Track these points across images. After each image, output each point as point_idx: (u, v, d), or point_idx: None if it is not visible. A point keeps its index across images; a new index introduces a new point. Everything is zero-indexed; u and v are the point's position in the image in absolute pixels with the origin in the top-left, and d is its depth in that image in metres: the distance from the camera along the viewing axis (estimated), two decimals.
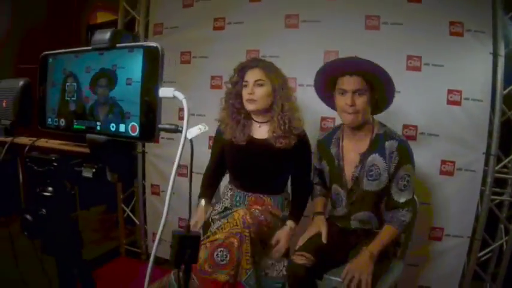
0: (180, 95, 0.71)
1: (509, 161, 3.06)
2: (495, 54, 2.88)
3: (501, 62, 2.87)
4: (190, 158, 0.77)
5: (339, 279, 2.27)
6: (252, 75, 2.55)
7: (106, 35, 0.69)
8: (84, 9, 5.29)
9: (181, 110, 3.15)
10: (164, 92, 0.68)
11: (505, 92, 2.92)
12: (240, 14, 3.41)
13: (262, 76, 2.54)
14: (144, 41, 2.51)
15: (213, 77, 3.53)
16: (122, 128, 0.68)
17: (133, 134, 0.68)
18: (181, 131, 0.72)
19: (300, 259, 2.28)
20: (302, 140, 2.61)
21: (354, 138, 2.43)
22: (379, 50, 2.88)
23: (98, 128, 0.71)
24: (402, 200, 2.34)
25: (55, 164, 0.81)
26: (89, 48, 0.72)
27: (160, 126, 0.69)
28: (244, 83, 2.57)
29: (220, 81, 3.46)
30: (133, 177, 0.84)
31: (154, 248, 0.96)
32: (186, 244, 0.93)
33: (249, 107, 2.56)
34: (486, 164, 2.98)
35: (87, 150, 0.78)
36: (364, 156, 2.37)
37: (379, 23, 3.05)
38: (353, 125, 2.36)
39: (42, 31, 4.74)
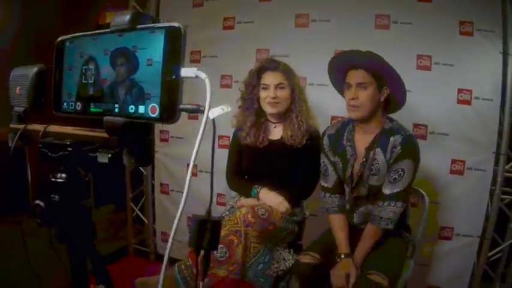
0: (202, 75, 0.69)
1: None
2: (505, 53, 2.84)
3: (511, 61, 2.83)
4: (212, 137, 0.75)
5: None
6: (273, 78, 2.56)
7: (126, 16, 0.66)
8: (93, 9, 5.28)
9: None
10: (186, 71, 0.65)
11: None
12: (250, 13, 3.39)
13: (283, 79, 2.56)
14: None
15: (222, 76, 3.51)
16: (142, 109, 0.66)
17: (153, 115, 0.66)
18: (203, 111, 0.70)
19: (306, 258, 2.31)
20: (313, 137, 2.61)
21: (363, 133, 2.37)
22: (389, 49, 2.76)
23: (116, 110, 0.68)
24: (387, 191, 2.25)
25: (69, 149, 0.78)
26: (108, 30, 0.69)
27: (181, 106, 0.66)
28: (263, 86, 2.58)
29: (230, 80, 3.46)
30: (150, 161, 0.81)
31: (168, 248, 0.94)
32: (206, 228, 0.90)
33: (271, 110, 2.59)
34: (496, 163, 2.94)
35: (102, 135, 0.76)
36: (367, 151, 2.33)
37: (389, 23, 3.03)
38: (357, 119, 2.32)
39: (52, 31, 4.75)
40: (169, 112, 0.65)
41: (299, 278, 2.31)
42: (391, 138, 2.25)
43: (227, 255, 2.25)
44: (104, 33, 0.71)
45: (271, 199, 2.52)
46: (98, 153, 0.75)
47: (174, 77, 0.64)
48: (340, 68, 2.37)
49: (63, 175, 0.80)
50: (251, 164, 2.70)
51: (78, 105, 0.74)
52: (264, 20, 3.33)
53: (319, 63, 2.87)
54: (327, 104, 3.06)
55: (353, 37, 3.03)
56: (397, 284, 2.23)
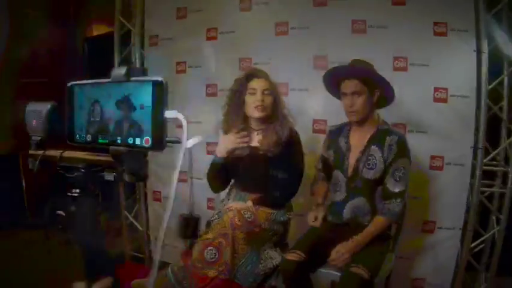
0: (180, 116, 0.96)
1: (497, 154, 3.26)
2: (479, 51, 3.07)
3: (485, 58, 3.05)
4: (189, 162, 1.02)
5: (335, 273, 2.59)
6: (260, 84, 2.81)
7: (122, 70, 0.94)
8: (81, 22, 5.52)
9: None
10: (169, 113, 0.93)
11: (489, 87, 3.11)
12: (232, 23, 3.67)
13: (268, 86, 2.82)
14: (142, 53, 2.81)
15: (208, 86, 3.79)
16: (138, 141, 0.94)
17: (146, 145, 0.94)
18: (181, 142, 0.98)
19: (291, 256, 2.59)
20: (293, 141, 2.88)
21: (359, 132, 2.75)
22: (366, 53, 3.04)
23: (119, 141, 0.96)
24: (396, 190, 2.60)
25: (82, 170, 1.06)
26: (109, 80, 0.97)
27: (167, 139, 0.94)
28: (251, 91, 2.81)
29: (215, 89, 3.74)
30: (147, 178, 1.05)
31: (158, 250, 1.20)
32: (189, 223, 1.18)
33: (258, 114, 2.81)
34: (474, 157, 3.16)
35: (107, 159, 1.04)
36: (364, 148, 2.69)
37: (366, 27, 3.30)
38: (355, 121, 2.72)
39: (41, 46, 5.00)
40: (159, 143, 0.93)
41: (284, 274, 2.60)
42: (387, 138, 2.64)
43: (216, 256, 2.52)
44: (106, 82, 0.99)
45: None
46: (104, 173, 1.03)
47: (160, 117, 0.92)
48: (334, 79, 2.76)
49: (77, 190, 1.08)
50: (235, 170, 2.95)
51: (88, 137, 1.01)
52: (245, 30, 3.62)
53: (300, 68, 3.16)
54: (309, 108, 3.37)
55: (331, 43, 3.34)
56: (377, 276, 2.51)
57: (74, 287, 1.09)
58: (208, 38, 3.76)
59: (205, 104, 3.68)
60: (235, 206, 2.76)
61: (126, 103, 0.93)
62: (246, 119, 2.90)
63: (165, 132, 0.94)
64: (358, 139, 2.75)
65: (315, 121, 3.45)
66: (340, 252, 2.50)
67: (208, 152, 3.66)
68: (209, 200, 3.79)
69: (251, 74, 2.88)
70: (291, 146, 2.86)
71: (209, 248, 2.53)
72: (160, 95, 0.91)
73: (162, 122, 0.93)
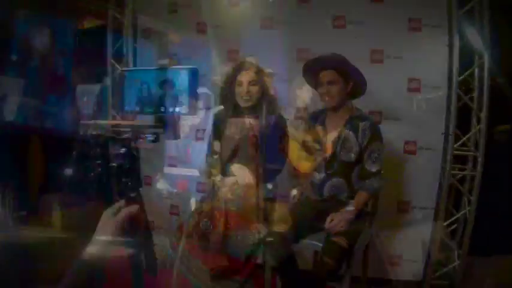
0: (208, 92, 1.49)
1: (468, 139, 3.73)
2: (450, 46, 3.57)
3: (456, 52, 3.53)
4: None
5: (318, 244, 3.04)
6: (246, 77, 3.31)
7: (166, 61, 1.46)
8: (72, 17, 5.91)
9: None
10: (200, 90, 1.45)
11: (460, 78, 3.58)
12: (220, 17, 4.16)
13: (254, 77, 3.31)
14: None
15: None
16: (177, 109, 1.45)
17: (184, 112, 1.45)
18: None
19: (276, 228, 3.08)
20: (279, 123, 3.40)
21: (335, 118, 3.24)
22: (346, 46, 3.58)
23: (163, 110, 1.48)
24: (374, 169, 3.11)
25: (127, 134, 1.56)
26: (155, 68, 1.48)
27: (195, 107, 1.46)
28: (238, 83, 3.32)
29: (205, 80, 4.11)
30: (179, 137, 1.42)
31: None
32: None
33: (244, 104, 3.33)
34: (445, 143, 3.68)
35: (146, 123, 1.54)
36: (340, 132, 3.17)
37: (345, 22, 3.84)
38: (330, 107, 3.21)
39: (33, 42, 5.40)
40: (193, 109, 1.44)
41: (269, 245, 3.06)
42: (361, 123, 3.14)
43: (211, 227, 3.01)
44: (152, 69, 1.50)
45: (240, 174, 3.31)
46: (147, 135, 1.54)
47: (194, 93, 1.44)
48: (313, 69, 3.25)
49: (123, 149, 1.56)
50: (229, 151, 3.41)
51: (137, 108, 1.51)
52: (232, 23, 4.12)
53: (283, 60, 3.68)
54: (292, 96, 3.88)
55: (313, 36, 3.86)
56: (355, 245, 3.01)
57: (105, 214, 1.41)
58: (198, 32, 4.24)
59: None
60: (228, 182, 3.26)
61: (169, 84, 1.45)
62: (238, 105, 3.37)
63: (197, 103, 1.46)
64: (333, 125, 3.23)
65: (297, 109, 3.98)
66: (337, 219, 2.99)
67: (198, 139, 4.15)
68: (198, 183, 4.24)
69: (239, 68, 3.37)
70: (278, 130, 3.37)
71: (204, 219, 3.01)
72: (195, 79, 1.43)
73: (196, 95, 1.45)
